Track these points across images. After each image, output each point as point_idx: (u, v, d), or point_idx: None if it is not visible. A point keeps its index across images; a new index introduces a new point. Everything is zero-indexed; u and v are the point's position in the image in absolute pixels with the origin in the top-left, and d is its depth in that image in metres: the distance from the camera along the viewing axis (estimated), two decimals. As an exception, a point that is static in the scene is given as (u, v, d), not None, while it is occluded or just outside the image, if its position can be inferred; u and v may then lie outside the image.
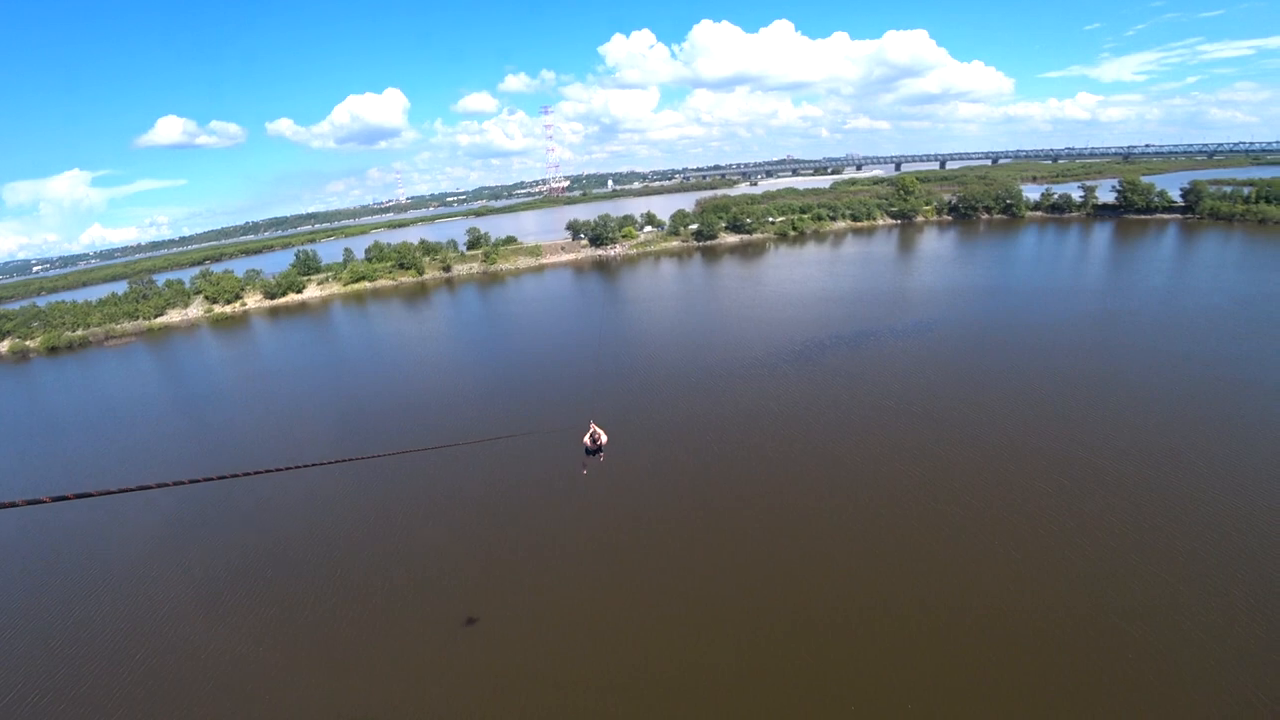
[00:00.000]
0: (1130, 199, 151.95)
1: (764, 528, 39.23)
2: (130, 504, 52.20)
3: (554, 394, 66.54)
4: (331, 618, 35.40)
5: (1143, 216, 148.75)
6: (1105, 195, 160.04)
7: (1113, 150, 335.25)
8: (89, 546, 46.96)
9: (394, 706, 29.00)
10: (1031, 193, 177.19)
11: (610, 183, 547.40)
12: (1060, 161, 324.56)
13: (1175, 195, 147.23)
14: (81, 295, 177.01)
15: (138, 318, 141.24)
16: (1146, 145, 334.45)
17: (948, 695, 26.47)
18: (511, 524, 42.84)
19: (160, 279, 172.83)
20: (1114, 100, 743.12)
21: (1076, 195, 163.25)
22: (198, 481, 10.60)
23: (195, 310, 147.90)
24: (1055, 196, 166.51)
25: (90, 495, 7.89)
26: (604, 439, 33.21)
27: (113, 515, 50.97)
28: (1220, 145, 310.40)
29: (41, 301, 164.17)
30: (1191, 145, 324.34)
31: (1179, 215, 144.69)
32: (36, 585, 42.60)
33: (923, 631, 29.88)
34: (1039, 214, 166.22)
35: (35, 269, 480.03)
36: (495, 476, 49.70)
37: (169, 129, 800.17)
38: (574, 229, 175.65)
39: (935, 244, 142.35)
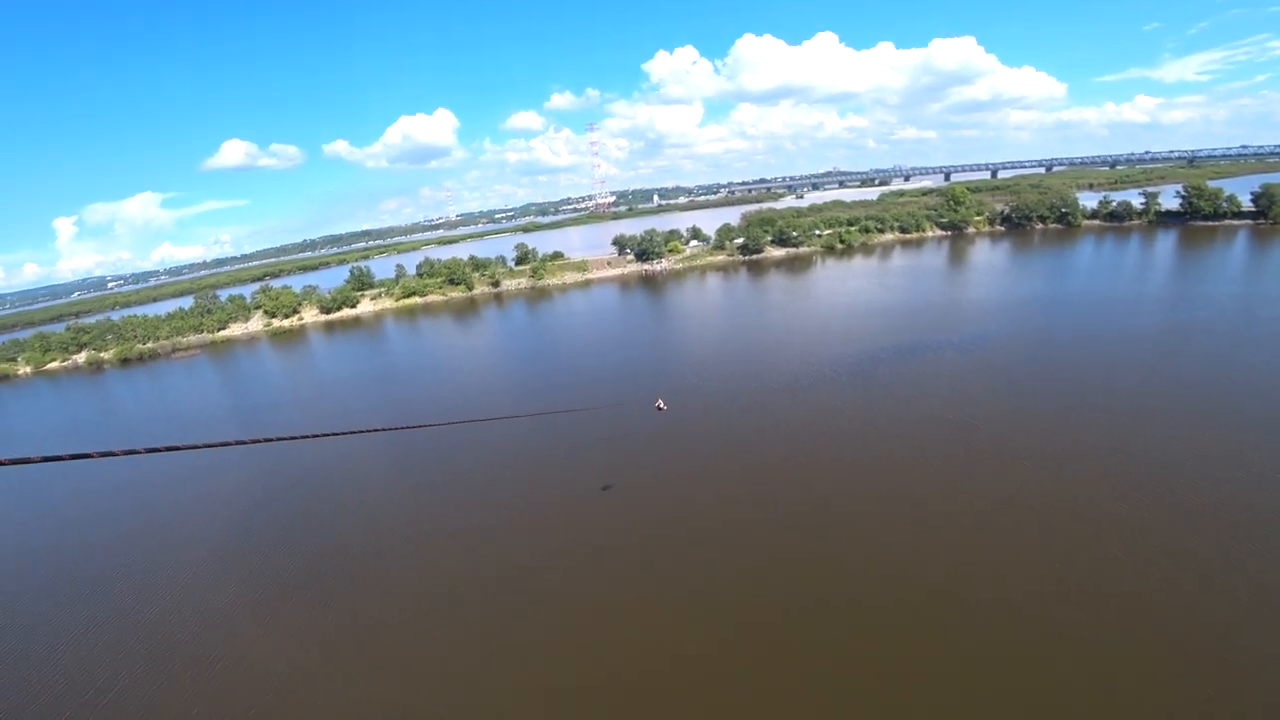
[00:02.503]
0: (1196, 205, 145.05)
1: (825, 538, 38.86)
2: (189, 517, 54.68)
3: (614, 391, 67.98)
4: (381, 621, 36.37)
5: (1210, 223, 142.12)
6: (1169, 201, 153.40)
7: (1176, 154, 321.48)
8: (152, 554, 49.23)
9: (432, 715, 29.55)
10: (1089, 201, 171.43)
11: (656, 198, 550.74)
12: (1119, 168, 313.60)
13: (1245, 200, 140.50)
14: (152, 310, 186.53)
15: (202, 331, 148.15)
16: (1213, 149, 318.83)
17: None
18: (571, 520, 43.50)
19: (223, 294, 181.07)
20: (1176, 102, 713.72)
21: (1137, 202, 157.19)
22: (245, 443, 11.25)
23: (255, 324, 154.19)
24: (1114, 204, 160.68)
25: (136, 452, 8.42)
26: (666, 407, 51.11)
27: (171, 527, 53.43)
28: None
29: (115, 316, 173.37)
30: (1263, 147, 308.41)
31: (1250, 221, 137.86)
32: (103, 592, 44.83)
33: (992, 654, 29.06)
34: (1097, 223, 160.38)
35: (110, 285, 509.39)
36: (562, 461, 50.72)
37: (233, 152, 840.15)
38: (620, 244, 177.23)
39: (988, 255, 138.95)
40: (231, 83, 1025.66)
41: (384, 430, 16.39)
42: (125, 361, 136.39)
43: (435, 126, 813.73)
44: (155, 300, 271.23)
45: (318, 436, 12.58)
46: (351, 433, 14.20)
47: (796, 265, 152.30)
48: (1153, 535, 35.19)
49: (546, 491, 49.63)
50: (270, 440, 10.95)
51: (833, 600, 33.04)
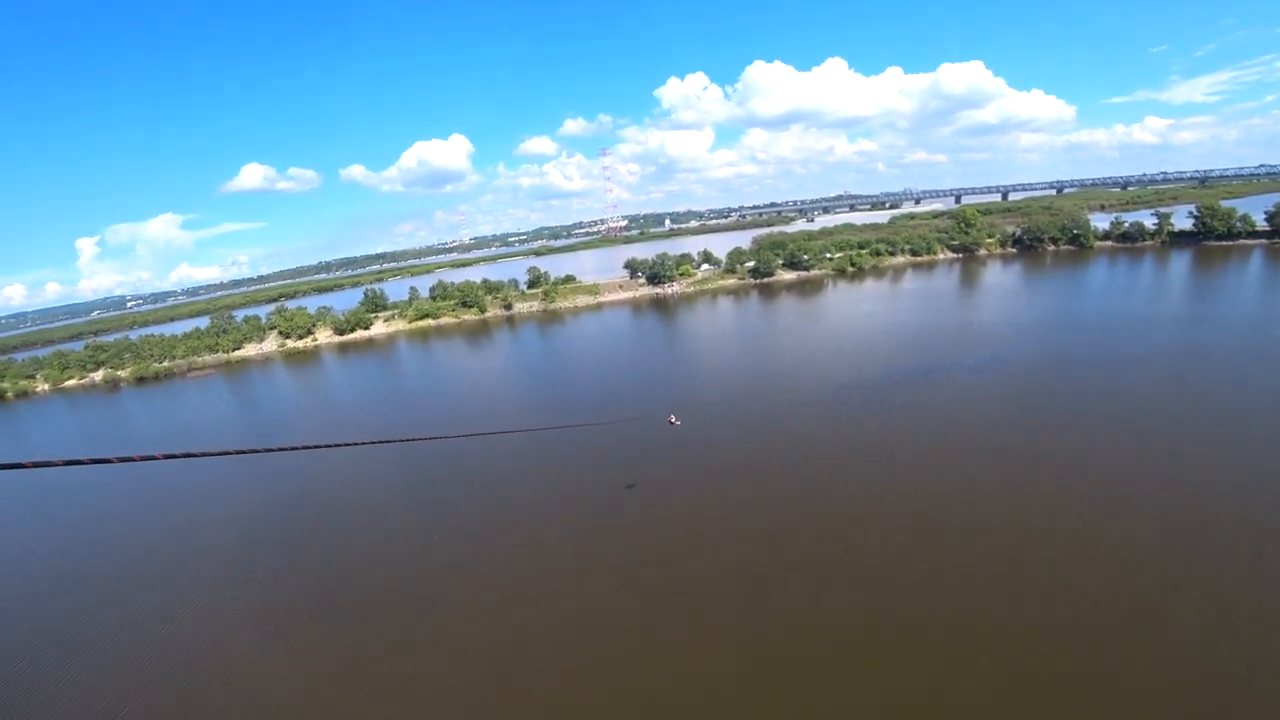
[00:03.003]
0: (1209, 225, 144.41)
1: (837, 567, 38.32)
2: (199, 532, 54.96)
3: (626, 409, 67.76)
4: (390, 637, 36.28)
5: (1224, 243, 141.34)
6: (1181, 222, 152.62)
7: (1188, 175, 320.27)
8: (163, 569, 49.43)
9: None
10: (1100, 222, 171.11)
11: (667, 222, 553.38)
12: (1130, 189, 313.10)
13: (1259, 219, 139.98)
14: (169, 329, 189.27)
15: (217, 351, 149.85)
16: (1225, 169, 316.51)
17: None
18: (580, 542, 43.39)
19: (239, 315, 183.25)
20: (1186, 123, 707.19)
21: (1150, 223, 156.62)
22: (259, 451, 11.45)
23: (270, 344, 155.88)
24: (1126, 225, 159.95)
25: (154, 458, 8.76)
26: (678, 423, 54.76)
27: (181, 542, 53.72)
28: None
29: (134, 335, 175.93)
30: (1276, 166, 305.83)
31: (1264, 240, 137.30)
32: (114, 607, 45.02)
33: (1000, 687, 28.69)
34: (1109, 244, 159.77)
35: (129, 304, 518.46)
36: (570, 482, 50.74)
37: (252, 175, 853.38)
38: (632, 267, 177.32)
39: (1000, 277, 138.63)
40: (252, 108, 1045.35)
41: (394, 441, 16.63)
42: (141, 380, 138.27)
43: (450, 151, 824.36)
44: (173, 320, 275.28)
45: (336, 446, 12.81)
46: (367, 443, 14.40)
47: (808, 288, 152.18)
48: (1173, 557, 34.71)
49: (558, 505, 49.71)
50: (287, 449, 11.17)
51: (837, 609, 32.83)
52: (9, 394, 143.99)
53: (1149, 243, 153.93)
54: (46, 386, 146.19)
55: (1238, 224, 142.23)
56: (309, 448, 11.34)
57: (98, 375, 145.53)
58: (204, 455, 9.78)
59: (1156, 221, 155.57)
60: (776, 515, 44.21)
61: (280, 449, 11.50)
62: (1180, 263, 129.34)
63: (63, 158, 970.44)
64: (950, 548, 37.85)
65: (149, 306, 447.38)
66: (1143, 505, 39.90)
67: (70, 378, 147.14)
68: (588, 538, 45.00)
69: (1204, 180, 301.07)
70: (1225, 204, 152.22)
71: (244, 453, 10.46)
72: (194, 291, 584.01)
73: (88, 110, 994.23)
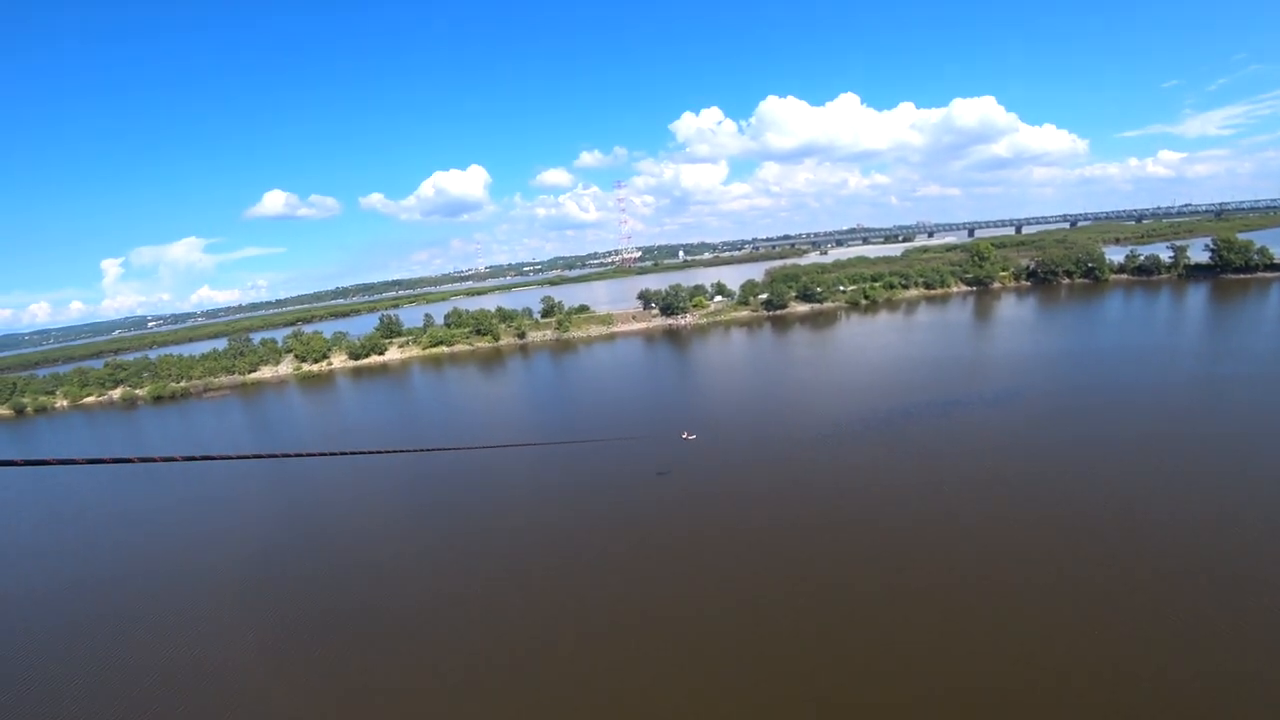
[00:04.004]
0: (1226, 258, 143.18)
1: (857, 605, 37.75)
2: (208, 553, 55.08)
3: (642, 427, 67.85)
4: (397, 672, 36.06)
5: (1242, 276, 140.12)
6: (1198, 255, 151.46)
7: (1203, 208, 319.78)
8: (170, 591, 49.48)
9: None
10: (1115, 255, 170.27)
11: (681, 253, 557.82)
12: (1145, 222, 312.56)
13: (1277, 252, 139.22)
14: (188, 350, 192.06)
15: (234, 372, 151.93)
16: (1241, 200, 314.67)
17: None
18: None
19: (256, 337, 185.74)
20: (1200, 156, 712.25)
21: (1165, 256, 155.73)
22: (276, 456, 11.68)
23: (285, 367, 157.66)
24: (1141, 258, 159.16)
25: (174, 460, 9.00)
26: (693, 437, 61.04)
27: (189, 563, 53.90)
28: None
29: (153, 355, 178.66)
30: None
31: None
32: (121, 630, 45.04)
33: None
34: (1124, 277, 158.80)
35: (150, 324, 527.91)
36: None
37: (274, 201, 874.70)
38: (645, 298, 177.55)
39: (1014, 310, 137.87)
40: (276, 137, 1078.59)
41: (407, 451, 16.84)
42: (159, 399, 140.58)
43: (468, 181, 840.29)
44: (191, 341, 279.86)
45: (356, 454, 13.03)
46: (383, 452, 14.62)
47: (821, 321, 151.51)
48: (1201, 604, 34.03)
49: (571, 515, 50.10)
50: (304, 455, 11.44)
51: (847, 647, 32.41)
52: (29, 409, 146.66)
53: (1165, 276, 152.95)
54: (66, 403, 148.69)
55: (1255, 256, 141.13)
56: (328, 454, 11.56)
57: (116, 393, 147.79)
58: (220, 458, 10.05)
59: (1172, 254, 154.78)
60: (786, 534, 44.02)
61: (298, 454, 11.76)
62: (1197, 296, 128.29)
63: (92, 181, 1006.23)
64: (968, 579, 37.38)
65: (169, 327, 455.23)
66: (1167, 541, 39.31)
67: (89, 395, 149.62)
68: (595, 546, 44.94)
69: (1220, 213, 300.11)
70: (1242, 236, 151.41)
71: (259, 456, 10.73)
72: (213, 313, 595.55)
73: (118, 136, 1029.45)
